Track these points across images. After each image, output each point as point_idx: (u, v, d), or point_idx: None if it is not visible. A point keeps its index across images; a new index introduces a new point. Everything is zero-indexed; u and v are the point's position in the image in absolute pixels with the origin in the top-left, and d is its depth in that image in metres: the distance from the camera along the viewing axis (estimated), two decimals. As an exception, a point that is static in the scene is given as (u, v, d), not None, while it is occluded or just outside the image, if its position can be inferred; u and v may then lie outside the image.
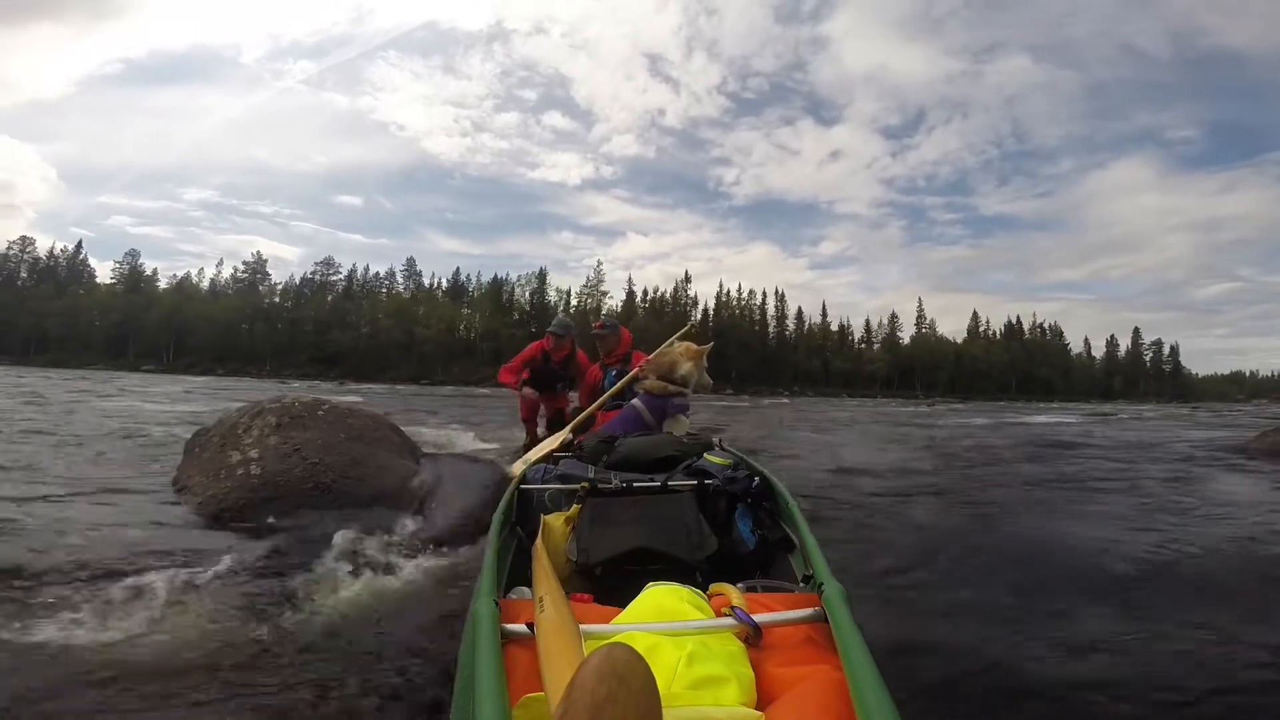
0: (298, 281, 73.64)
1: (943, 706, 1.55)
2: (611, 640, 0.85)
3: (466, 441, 5.54)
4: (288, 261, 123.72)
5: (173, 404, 10.55)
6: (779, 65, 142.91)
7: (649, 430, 3.22)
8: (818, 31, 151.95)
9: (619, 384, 4.20)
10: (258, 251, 77.22)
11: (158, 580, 1.93)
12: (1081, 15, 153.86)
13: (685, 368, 3.38)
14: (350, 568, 2.17)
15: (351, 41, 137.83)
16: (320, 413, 3.23)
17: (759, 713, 0.88)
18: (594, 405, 4.17)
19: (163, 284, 71.92)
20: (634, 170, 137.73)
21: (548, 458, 2.77)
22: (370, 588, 2.07)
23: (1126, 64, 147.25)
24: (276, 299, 72.21)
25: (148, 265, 72.88)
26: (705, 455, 2.35)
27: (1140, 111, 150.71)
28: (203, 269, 76.76)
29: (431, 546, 2.45)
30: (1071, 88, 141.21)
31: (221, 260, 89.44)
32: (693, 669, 0.92)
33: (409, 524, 2.61)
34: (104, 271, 71.64)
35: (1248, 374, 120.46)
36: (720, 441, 2.84)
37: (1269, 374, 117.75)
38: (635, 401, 3.51)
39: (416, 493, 2.92)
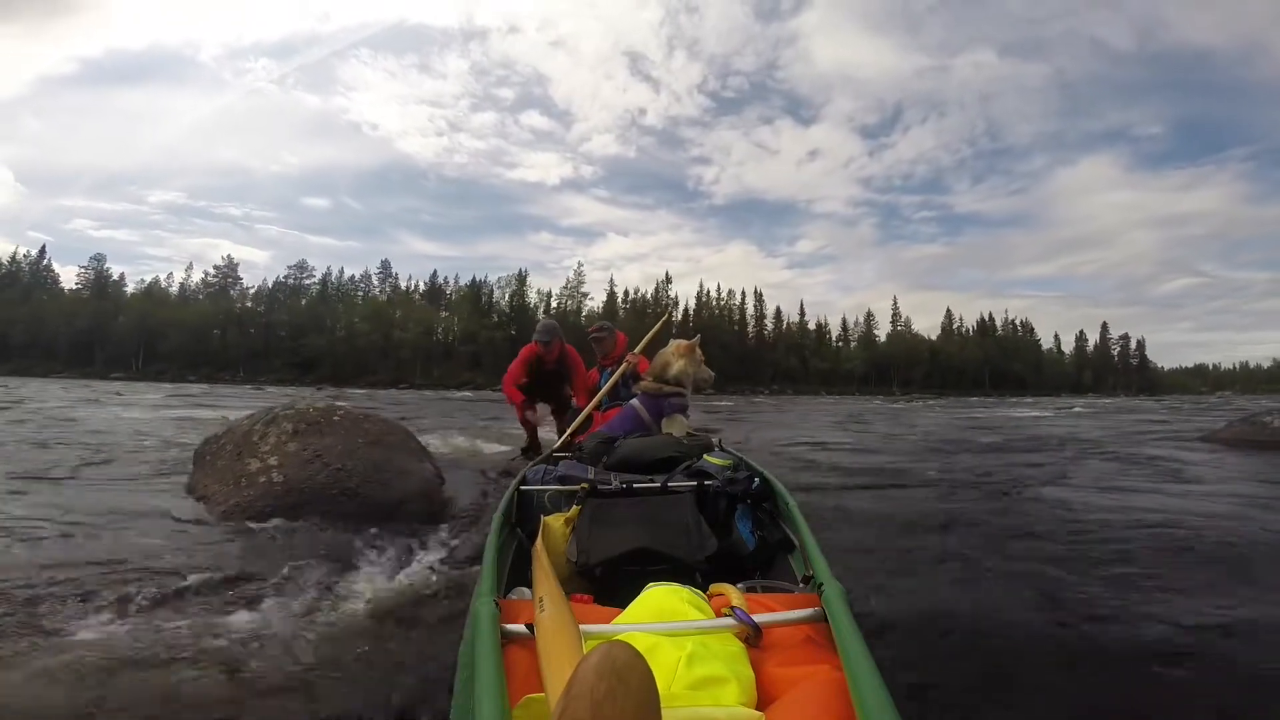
0: (270, 285, 72.37)
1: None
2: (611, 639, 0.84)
3: (469, 445, 5.55)
4: (255, 265, 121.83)
5: (155, 411, 10.33)
6: (759, 64, 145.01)
7: (648, 430, 3.21)
8: (797, 30, 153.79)
9: (609, 383, 4.26)
10: (229, 255, 75.66)
11: (188, 588, 1.96)
12: (1052, 9, 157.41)
13: (677, 366, 3.30)
14: (374, 573, 2.18)
15: (320, 40, 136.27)
16: (336, 418, 3.23)
17: (759, 713, 0.87)
18: (590, 406, 4.23)
19: (130, 289, 70.14)
20: (613, 170, 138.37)
21: (548, 459, 2.79)
22: (394, 592, 2.07)
23: (1095, 60, 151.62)
24: (249, 303, 70.64)
25: (114, 270, 71.06)
26: (705, 456, 2.36)
27: (1109, 108, 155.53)
28: (171, 273, 74.81)
29: (455, 549, 2.47)
30: (1044, 85, 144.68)
31: (191, 264, 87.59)
32: (692, 669, 0.92)
33: (434, 528, 2.63)
34: (68, 277, 69.76)
35: (1211, 366, 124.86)
36: (720, 442, 2.87)
37: (1231, 366, 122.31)
38: (634, 402, 3.54)
39: (438, 496, 2.94)
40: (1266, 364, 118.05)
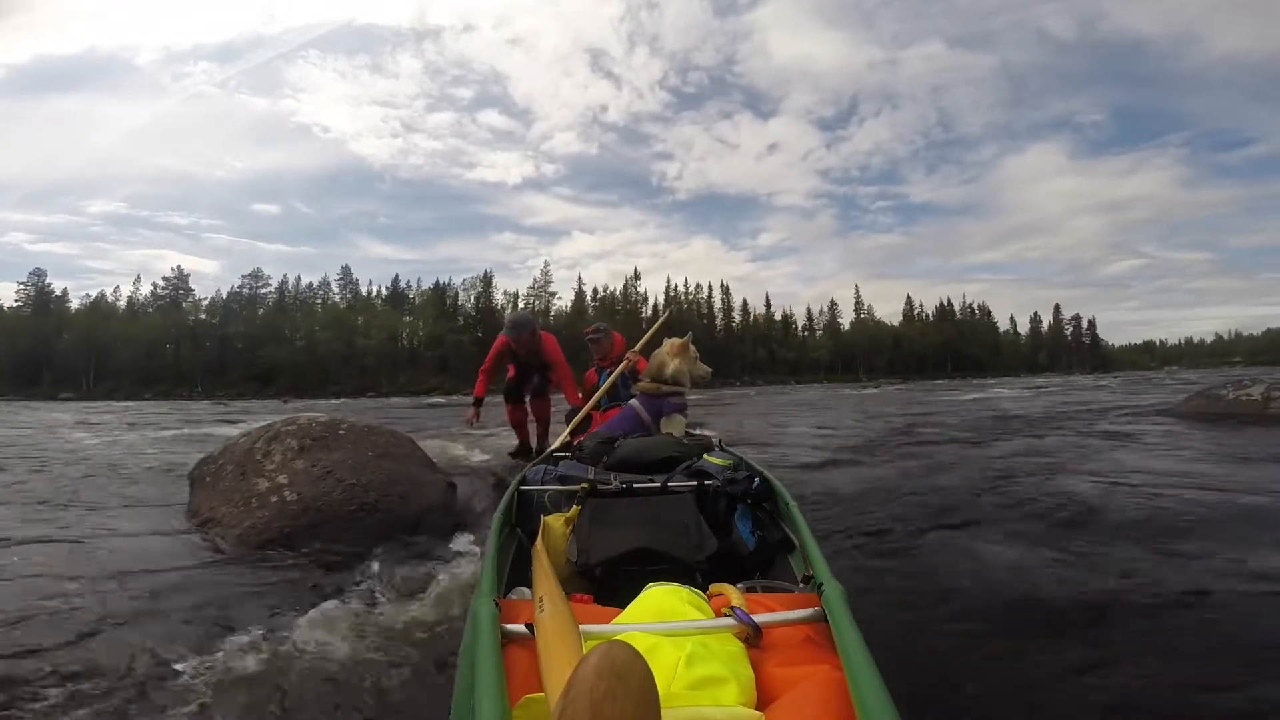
0: (224, 296, 69.81)
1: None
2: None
3: (465, 452, 5.47)
4: (205, 275, 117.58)
5: (119, 433, 9.94)
6: (718, 58, 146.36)
7: (647, 430, 3.24)
8: (753, 24, 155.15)
9: (607, 383, 4.26)
10: (178, 266, 72.52)
11: (221, 616, 1.92)
12: (999, 0, 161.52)
13: (673, 365, 3.32)
14: (411, 587, 2.15)
15: (265, 42, 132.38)
16: (341, 431, 3.18)
17: (759, 713, 0.88)
18: (589, 405, 4.23)
19: (75, 304, 66.93)
20: (576, 168, 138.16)
21: (548, 459, 2.79)
22: (434, 606, 2.04)
23: (1040, 50, 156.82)
24: (203, 315, 68.13)
25: (56, 285, 67.66)
26: (705, 456, 2.39)
27: (1053, 97, 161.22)
28: (118, 287, 71.61)
29: (476, 557, 2.46)
30: (991, 75, 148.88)
31: (139, 277, 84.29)
32: (692, 669, 0.92)
33: (460, 537, 2.61)
34: (6, 293, 66.43)
35: (1158, 343, 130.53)
36: (720, 442, 2.90)
37: (1176, 342, 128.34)
38: (633, 402, 3.54)
39: (455, 506, 2.90)
40: (1209, 339, 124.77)
